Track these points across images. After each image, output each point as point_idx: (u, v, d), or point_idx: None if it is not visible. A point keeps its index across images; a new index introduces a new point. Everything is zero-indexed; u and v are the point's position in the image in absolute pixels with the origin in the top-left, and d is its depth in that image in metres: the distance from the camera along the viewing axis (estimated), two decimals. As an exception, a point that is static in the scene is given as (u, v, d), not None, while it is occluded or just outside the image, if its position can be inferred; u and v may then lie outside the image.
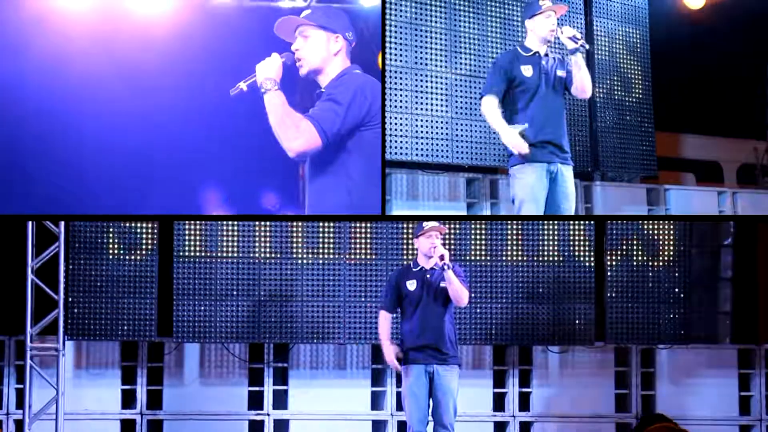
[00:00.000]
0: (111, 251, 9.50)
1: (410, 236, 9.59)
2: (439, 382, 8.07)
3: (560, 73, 8.13)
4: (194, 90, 10.31)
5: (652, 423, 9.68)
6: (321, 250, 9.66)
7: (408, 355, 8.14)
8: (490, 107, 7.96)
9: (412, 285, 8.17)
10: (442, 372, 8.08)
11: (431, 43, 9.86)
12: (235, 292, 9.58)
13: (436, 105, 9.85)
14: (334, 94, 6.59)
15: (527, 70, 8.03)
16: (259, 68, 6.64)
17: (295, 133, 6.47)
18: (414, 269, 8.22)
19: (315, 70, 6.77)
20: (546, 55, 8.12)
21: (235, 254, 9.58)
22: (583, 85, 8.12)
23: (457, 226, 9.70)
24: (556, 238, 9.84)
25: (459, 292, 8.02)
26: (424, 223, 8.18)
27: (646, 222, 10.00)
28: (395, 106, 9.57)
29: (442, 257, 7.98)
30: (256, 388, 9.78)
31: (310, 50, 6.76)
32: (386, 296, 8.31)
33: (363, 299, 9.67)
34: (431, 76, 9.85)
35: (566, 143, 8.13)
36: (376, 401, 9.91)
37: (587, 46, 8.29)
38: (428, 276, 8.15)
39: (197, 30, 10.10)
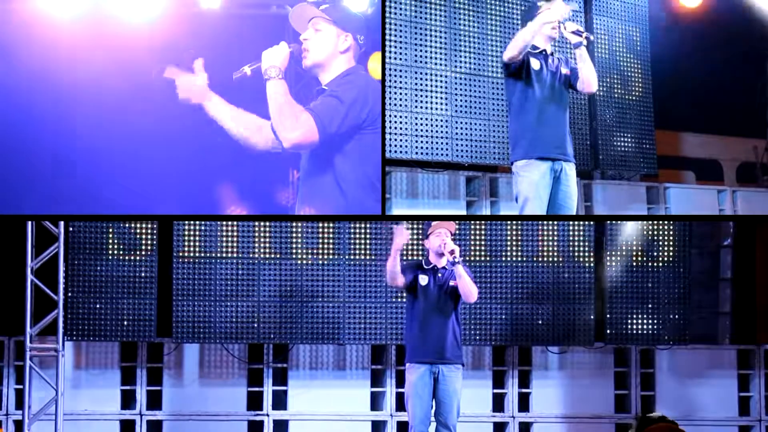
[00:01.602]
0: (110, 251, 9.48)
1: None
2: (444, 383, 8.05)
3: (564, 70, 8.13)
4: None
5: (651, 423, 9.69)
6: (320, 251, 9.65)
7: (413, 354, 8.12)
8: None
9: (424, 280, 8.15)
10: (447, 372, 8.06)
11: (431, 41, 9.84)
12: (234, 293, 9.56)
13: (436, 103, 9.83)
14: (338, 92, 6.56)
15: (536, 63, 8.01)
16: (266, 55, 6.57)
17: (294, 124, 6.42)
18: (426, 267, 8.20)
19: (318, 64, 6.73)
20: (551, 54, 8.12)
21: (235, 254, 9.56)
22: (588, 79, 8.09)
23: (457, 226, 9.68)
24: (556, 238, 9.84)
25: (469, 286, 8.02)
26: (433, 222, 8.18)
27: (646, 222, 9.99)
28: (395, 105, 9.55)
29: (452, 252, 7.98)
30: (256, 389, 9.77)
31: (318, 43, 6.71)
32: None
33: (362, 299, 9.66)
34: (431, 75, 9.83)
35: (569, 140, 8.13)
36: (376, 402, 9.90)
37: (592, 38, 8.27)
38: (439, 275, 8.14)
39: (195, 29, 10.05)
